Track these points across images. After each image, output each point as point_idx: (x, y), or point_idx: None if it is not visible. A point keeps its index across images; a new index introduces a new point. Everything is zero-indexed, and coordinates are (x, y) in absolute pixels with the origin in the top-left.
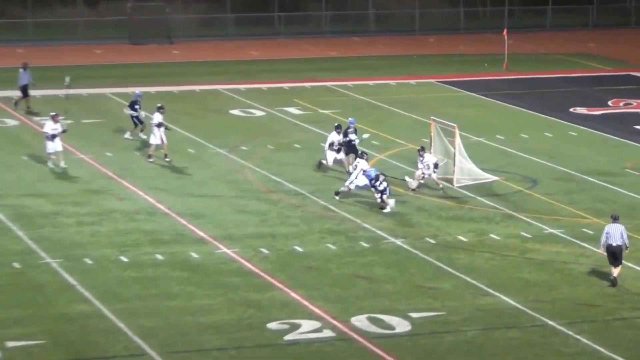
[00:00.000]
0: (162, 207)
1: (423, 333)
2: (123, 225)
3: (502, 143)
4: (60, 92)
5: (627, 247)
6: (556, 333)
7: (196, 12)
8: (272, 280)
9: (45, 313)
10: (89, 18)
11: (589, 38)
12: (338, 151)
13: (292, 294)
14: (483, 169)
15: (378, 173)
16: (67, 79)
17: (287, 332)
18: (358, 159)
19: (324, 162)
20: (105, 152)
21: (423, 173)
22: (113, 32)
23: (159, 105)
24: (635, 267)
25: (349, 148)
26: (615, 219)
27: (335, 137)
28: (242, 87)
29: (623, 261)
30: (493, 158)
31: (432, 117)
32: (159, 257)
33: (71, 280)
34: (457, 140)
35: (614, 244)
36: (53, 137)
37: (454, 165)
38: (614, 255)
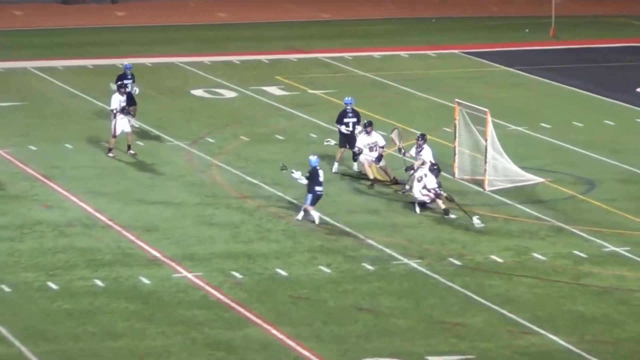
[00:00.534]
0: (102, 217)
1: None
2: (51, 241)
3: (549, 134)
4: None
5: None
6: None
7: None
8: (248, 314)
9: None
10: None
11: None
12: (379, 159)
13: (274, 332)
14: (523, 168)
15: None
16: None
17: None
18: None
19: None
20: (27, 144)
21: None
22: None
23: (119, 83)
24: None
25: (344, 139)
26: None
27: (364, 140)
28: (207, 59)
29: None
30: (537, 153)
31: (456, 100)
32: (99, 283)
33: None
34: (490, 129)
35: None
36: None
37: (486, 162)
38: None
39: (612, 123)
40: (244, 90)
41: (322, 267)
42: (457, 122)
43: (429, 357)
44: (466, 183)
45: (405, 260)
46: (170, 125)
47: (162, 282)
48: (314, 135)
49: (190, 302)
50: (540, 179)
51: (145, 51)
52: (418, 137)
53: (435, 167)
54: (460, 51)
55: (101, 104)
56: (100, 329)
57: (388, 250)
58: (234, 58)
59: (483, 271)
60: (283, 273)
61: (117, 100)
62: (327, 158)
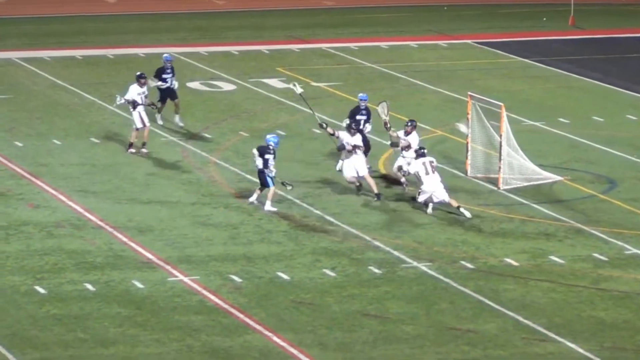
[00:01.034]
0: (92, 217)
1: None
2: (39, 242)
3: (568, 129)
4: None
5: None
6: None
7: None
8: (247, 320)
9: None
10: None
11: None
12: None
13: (275, 339)
14: (540, 166)
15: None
16: None
17: None
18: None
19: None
20: (13, 140)
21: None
22: None
23: (139, 73)
24: None
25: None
26: None
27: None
28: (203, 50)
29: None
30: (554, 150)
31: (469, 93)
32: (89, 287)
33: None
34: (505, 125)
35: None
36: None
37: (500, 160)
38: None
39: (634, 118)
40: (242, 83)
41: (326, 271)
42: (469, 116)
43: None
44: (479, 181)
45: (415, 264)
46: (164, 120)
47: (156, 286)
48: (317, 131)
49: (186, 307)
50: (558, 178)
51: (137, 41)
52: (407, 122)
53: (422, 150)
54: (474, 41)
55: (91, 97)
56: (91, 336)
57: (396, 253)
58: (232, 48)
59: (497, 275)
60: (285, 277)
61: (135, 91)
62: (330, 156)
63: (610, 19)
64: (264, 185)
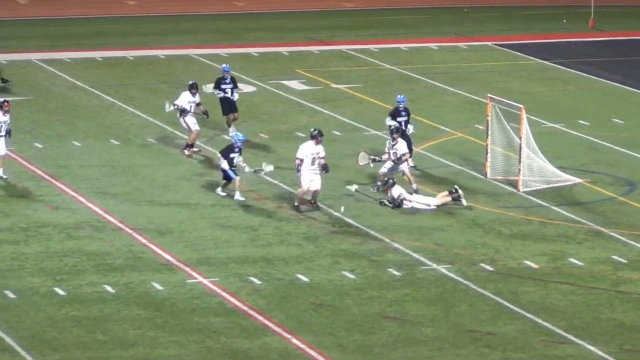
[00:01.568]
0: (112, 219)
1: None
2: (58, 244)
3: (588, 131)
4: None
5: None
6: None
7: None
8: (267, 322)
9: None
10: None
11: None
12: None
13: (294, 341)
14: (560, 168)
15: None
16: None
17: None
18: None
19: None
20: (33, 142)
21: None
22: None
23: (191, 82)
24: None
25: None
26: None
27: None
28: (223, 51)
29: None
30: (574, 152)
31: (489, 95)
32: (109, 289)
33: None
34: (525, 127)
35: None
36: None
37: (520, 162)
38: None
39: None
40: (262, 85)
41: (346, 273)
42: (489, 118)
43: None
44: (499, 184)
45: (434, 266)
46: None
47: (175, 288)
48: (337, 133)
49: (205, 309)
50: (578, 180)
51: (157, 42)
52: (392, 129)
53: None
54: (493, 43)
55: (111, 99)
56: (110, 338)
57: (416, 255)
58: (252, 50)
59: (516, 277)
60: (304, 279)
61: (185, 99)
62: (350, 158)
63: (631, 21)
64: (227, 179)
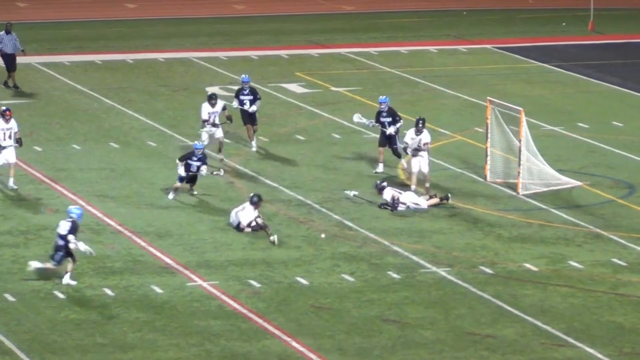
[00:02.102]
0: (111, 222)
1: None
2: None
3: (587, 134)
4: None
5: None
6: None
7: None
8: (266, 325)
9: None
10: None
11: None
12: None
13: (294, 344)
14: (559, 171)
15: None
16: None
17: None
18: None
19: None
20: (32, 145)
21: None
22: None
23: (210, 93)
24: None
25: (384, 138)
26: None
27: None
28: (223, 54)
29: None
30: (573, 155)
31: (488, 98)
32: (108, 292)
33: None
34: (524, 130)
35: None
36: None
37: (520, 165)
38: None
39: None
40: (262, 88)
41: (345, 276)
42: (489, 121)
43: None
44: (498, 186)
45: (434, 268)
46: (183, 124)
47: (175, 291)
48: (336, 136)
49: (205, 312)
50: (578, 183)
51: (157, 46)
52: (418, 120)
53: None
54: (493, 46)
55: (110, 102)
56: (110, 341)
57: (415, 258)
58: (252, 53)
59: (516, 280)
60: (304, 282)
61: (206, 111)
62: (349, 160)
63: (630, 24)
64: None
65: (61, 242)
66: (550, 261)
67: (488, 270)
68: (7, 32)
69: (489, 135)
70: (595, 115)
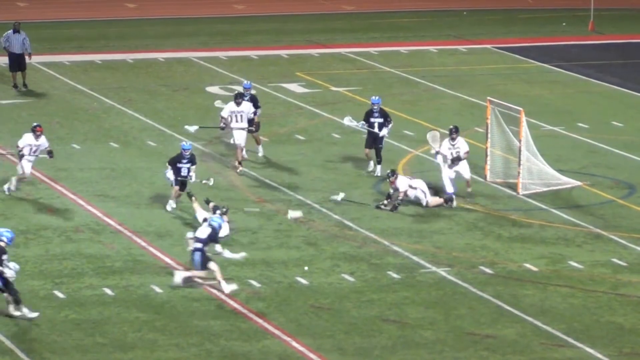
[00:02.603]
0: (111, 222)
1: None
2: (57, 247)
3: (587, 134)
4: None
5: None
6: None
7: None
8: (266, 325)
9: None
10: None
11: None
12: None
13: (294, 344)
14: (559, 171)
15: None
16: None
17: None
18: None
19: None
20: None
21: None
22: None
23: (239, 92)
24: None
25: (370, 139)
26: None
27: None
28: (223, 54)
29: None
30: (573, 155)
31: (488, 98)
32: (108, 292)
33: None
34: (524, 130)
35: None
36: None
37: (519, 165)
38: None
39: None
40: (262, 87)
41: (345, 276)
42: (489, 121)
43: None
44: (498, 186)
45: (434, 269)
46: (183, 124)
47: (175, 290)
48: (336, 136)
49: (205, 312)
50: (578, 183)
51: (157, 45)
52: (451, 128)
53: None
54: (493, 46)
55: (110, 102)
56: (110, 340)
57: (415, 258)
58: (252, 53)
59: (516, 280)
60: (303, 282)
61: (229, 109)
62: (349, 160)
63: (630, 24)
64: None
65: (198, 246)
66: (550, 261)
67: (488, 271)
68: (15, 31)
69: (489, 135)
70: (595, 116)
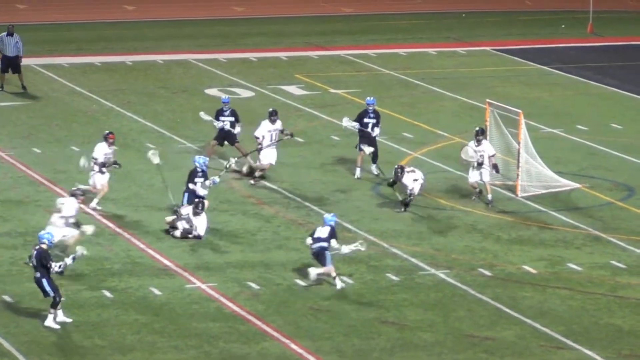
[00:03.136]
0: (110, 224)
1: None
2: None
3: (586, 136)
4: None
5: None
6: None
7: None
8: (265, 327)
9: None
10: None
11: None
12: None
13: (293, 346)
14: (558, 173)
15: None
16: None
17: None
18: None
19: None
20: (30, 147)
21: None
22: None
23: (271, 109)
24: None
25: (364, 139)
26: None
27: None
28: (222, 56)
29: None
30: (572, 157)
31: (487, 100)
32: (107, 294)
33: None
34: (523, 132)
35: None
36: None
37: (519, 167)
38: None
39: None
40: (261, 90)
41: (344, 278)
42: (488, 123)
43: None
44: (497, 188)
45: (433, 271)
46: (182, 126)
47: (174, 293)
48: (335, 138)
49: (204, 314)
50: (576, 185)
51: (156, 47)
52: (477, 130)
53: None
54: (492, 48)
55: (109, 104)
56: (108, 342)
57: (414, 260)
58: (251, 55)
59: (515, 282)
60: (302, 284)
61: (265, 128)
62: (348, 163)
63: (629, 26)
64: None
65: (324, 245)
66: (549, 263)
67: (487, 273)
68: (9, 34)
69: (488, 137)
70: (595, 118)
